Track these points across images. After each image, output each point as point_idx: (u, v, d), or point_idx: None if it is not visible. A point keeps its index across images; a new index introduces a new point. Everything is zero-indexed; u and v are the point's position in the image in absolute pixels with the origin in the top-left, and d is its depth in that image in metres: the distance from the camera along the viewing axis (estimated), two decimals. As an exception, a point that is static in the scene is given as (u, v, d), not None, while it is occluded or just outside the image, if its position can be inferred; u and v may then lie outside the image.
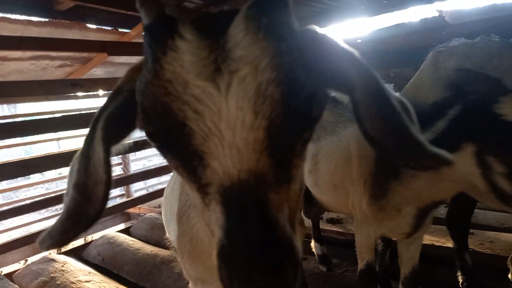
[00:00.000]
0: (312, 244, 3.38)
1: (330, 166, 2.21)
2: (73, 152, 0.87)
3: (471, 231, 3.48)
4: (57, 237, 0.77)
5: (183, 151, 0.62)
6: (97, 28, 5.67)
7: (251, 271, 0.53)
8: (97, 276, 3.41)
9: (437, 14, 6.25)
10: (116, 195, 6.73)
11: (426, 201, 1.70)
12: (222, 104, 0.58)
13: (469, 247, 3.13)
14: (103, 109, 0.76)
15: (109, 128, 0.74)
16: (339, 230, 3.68)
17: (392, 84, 7.51)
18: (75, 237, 0.78)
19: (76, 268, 3.52)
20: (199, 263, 1.13)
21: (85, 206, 0.75)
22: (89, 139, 0.75)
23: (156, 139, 0.66)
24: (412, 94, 2.12)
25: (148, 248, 3.86)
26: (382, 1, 6.41)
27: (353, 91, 0.73)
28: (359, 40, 7.22)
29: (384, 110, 0.71)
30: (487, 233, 3.36)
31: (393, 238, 2.12)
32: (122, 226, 4.83)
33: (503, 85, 1.42)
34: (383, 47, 6.56)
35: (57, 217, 0.81)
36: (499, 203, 1.47)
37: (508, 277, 2.69)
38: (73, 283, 3.26)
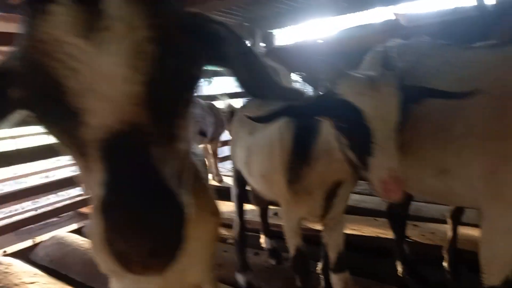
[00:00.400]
0: (262, 239, 3.42)
1: (259, 157, 2.35)
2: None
3: (415, 223, 3.65)
4: None
5: (63, 114, 0.62)
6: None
7: (131, 221, 0.54)
8: (43, 278, 3.29)
9: (393, 17, 6.46)
10: (75, 195, 6.52)
11: (328, 181, 1.92)
12: (97, 60, 0.59)
13: (412, 238, 3.29)
14: None
15: None
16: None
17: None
18: None
19: (21, 270, 3.38)
20: None
21: None
22: None
23: (35, 107, 0.67)
24: None
25: (99, 248, 3.76)
26: (343, 2, 6.55)
27: (228, 50, 0.82)
28: (321, 41, 7.38)
29: (254, 65, 0.84)
30: (430, 225, 3.53)
31: (309, 220, 2.30)
32: (74, 226, 4.69)
33: (345, 71, 1.60)
34: (346, 48, 6.70)
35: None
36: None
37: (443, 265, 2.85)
38: (16, 285, 3.14)
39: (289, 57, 7.40)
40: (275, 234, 3.45)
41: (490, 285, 1.71)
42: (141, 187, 0.56)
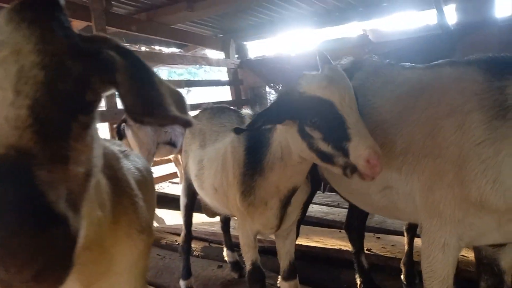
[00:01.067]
0: (225, 252, 3.42)
1: (211, 170, 2.36)
2: None
3: (378, 235, 3.73)
4: None
5: None
6: None
7: (9, 247, 0.53)
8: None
9: (361, 32, 6.66)
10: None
11: (283, 190, 1.96)
12: None
13: (372, 250, 3.35)
14: None
15: None
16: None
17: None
18: None
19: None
20: None
21: None
22: None
23: None
24: None
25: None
26: (317, 17, 6.68)
27: (117, 76, 0.79)
28: (294, 54, 7.51)
29: (148, 94, 0.81)
30: (392, 237, 3.59)
31: (266, 233, 2.30)
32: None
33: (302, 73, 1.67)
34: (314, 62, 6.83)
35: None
36: (329, 166, 1.67)
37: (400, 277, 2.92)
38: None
39: (263, 69, 7.50)
40: (238, 247, 3.45)
41: (431, 299, 1.76)
42: (21, 211, 0.55)
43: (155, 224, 4.46)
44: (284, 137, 1.79)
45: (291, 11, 6.38)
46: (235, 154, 2.11)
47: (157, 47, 7.12)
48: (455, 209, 1.63)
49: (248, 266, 2.30)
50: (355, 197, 2.29)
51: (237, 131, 1.76)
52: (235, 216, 2.38)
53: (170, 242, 4.25)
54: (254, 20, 6.86)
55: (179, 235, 3.66)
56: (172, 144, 5.20)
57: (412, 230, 2.85)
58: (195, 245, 4.04)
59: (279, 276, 2.60)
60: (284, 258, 2.33)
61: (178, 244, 3.86)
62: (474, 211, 1.58)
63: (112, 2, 5.18)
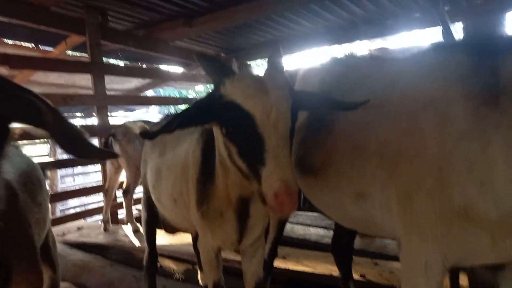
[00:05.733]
0: (199, 275, 3.12)
1: (170, 179, 2.13)
2: None
3: (375, 261, 3.35)
4: None
5: None
6: (15, 44, 5.41)
7: None
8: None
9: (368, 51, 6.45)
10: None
11: (232, 198, 1.70)
12: None
13: (368, 277, 2.99)
14: None
15: None
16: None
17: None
18: None
19: None
20: None
21: None
22: None
23: None
24: None
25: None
26: (323, 35, 6.53)
27: (44, 118, 0.96)
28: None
29: (68, 130, 1.04)
30: (391, 264, 3.22)
31: (225, 248, 2.00)
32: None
33: (232, 70, 1.43)
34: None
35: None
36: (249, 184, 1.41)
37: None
38: None
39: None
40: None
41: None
42: None
43: (137, 243, 4.18)
44: (217, 139, 1.55)
45: (293, 29, 6.27)
46: (194, 157, 1.87)
47: (161, 66, 7.06)
48: (436, 222, 1.32)
49: (210, 286, 2.01)
50: (331, 211, 1.98)
51: (143, 135, 1.45)
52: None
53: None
54: (256, 39, 6.76)
55: (161, 256, 3.40)
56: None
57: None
58: (176, 266, 3.75)
59: None
60: (250, 280, 2.02)
61: (161, 266, 3.59)
62: (459, 223, 1.27)
63: (109, 18, 5.15)
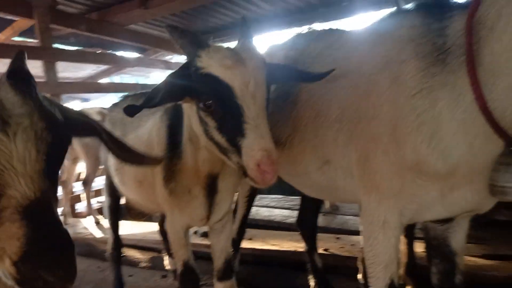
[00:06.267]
0: (166, 259, 3.07)
1: None
2: None
3: (338, 236, 3.46)
4: None
5: None
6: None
7: (52, 255, 0.78)
8: None
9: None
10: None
11: (201, 175, 1.70)
12: (12, 146, 0.83)
13: (330, 250, 3.08)
14: None
15: None
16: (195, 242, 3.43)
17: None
18: None
19: None
20: None
21: None
22: None
23: None
24: None
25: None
26: (293, 15, 6.53)
27: (100, 134, 1.24)
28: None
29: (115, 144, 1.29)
30: (352, 237, 3.33)
31: (193, 225, 2.03)
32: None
33: (206, 42, 1.42)
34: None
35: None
36: (225, 159, 1.44)
37: (357, 276, 2.64)
38: None
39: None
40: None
41: (375, 290, 1.47)
42: (57, 236, 0.82)
43: (99, 235, 4.06)
44: (189, 116, 1.53)
45: (252, 12, 6.21)
46: (159, 135, 1.83)
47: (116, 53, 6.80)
48: (392, 179, 1.37)
49: (179, 267, 1.98)
50: (297, 180, 2.01)
51: (128, 110, 1.37)
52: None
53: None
54: (214, 22, 6.64)
55: (126, 245, 3.32)
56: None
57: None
58: (142, 255, 3.68)
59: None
60: (219, 256, 2.03)
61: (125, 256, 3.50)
62: (412, 178, 1.32)
63: (59, 0, 4.88)
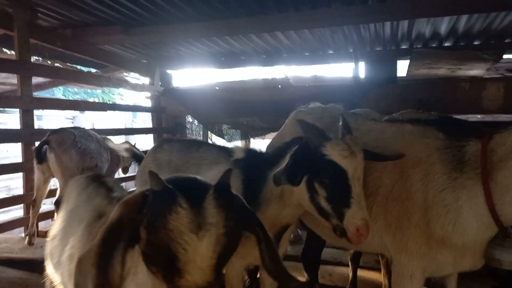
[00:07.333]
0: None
1: None
2: None
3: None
4: None
5: (169, 268, 1.05)
6: None
7: None
8: None
9: (283, 76, 7.26)
10: None
11: (277, 225, 2.10)
12: (198, 246, 1.03)
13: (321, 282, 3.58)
14: (114, 238, 1.13)
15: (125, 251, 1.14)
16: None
17: (241, 130, 8.24)
18: None
19: None
20: None
21: None
22: (104, 258, 1.12)
23: (151, 260, 1.11)
24: (278, 141, 2.60)
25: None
26: (221, 58, 7.16)
27: (257, 231, 1.34)
28: (217, 87, 7.73)
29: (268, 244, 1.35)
30: (325, 267, 3.84)
31: (256, 264, 2.39)
32: None
33: (329, 136, 1.88)
34: (238, 97, 7.15)
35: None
36: (321, 219, 1.87)
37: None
38: None
39: (185, 98, 7.54)
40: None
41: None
42: None
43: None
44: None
45: (222, 48, 6.62)
46: (233, 187, 2.15)
47: (77, 66, 6.65)
48: (421, 245, 1.96)
49: None
50: (321, 230, 2.48)
51: (277, 182, 1.81)
52: None
53: None
54: (183, 51, 6.90)
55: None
56: (97, 170, 4.85)
57: (356, 260, 3.19)
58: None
59: None
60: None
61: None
62: (437, 247, 1.92)
63: (38, 14, 4.79)
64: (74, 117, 14.48)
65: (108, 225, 1.15)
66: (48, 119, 12.10)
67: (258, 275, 3.01)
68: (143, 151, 3.74)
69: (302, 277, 3.22)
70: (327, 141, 1.81)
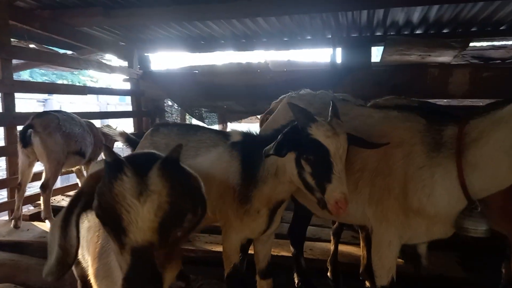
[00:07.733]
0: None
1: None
2: None
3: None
4: (55, 273, 1.32)
5: (117, 228, 1.19)
6: None
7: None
8: None
9: (263, 61, 7.39)
10: None
11: (273, 201, 2.34)
12: (139, 209, 1.17)
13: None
14: (74, 205, 1.33)
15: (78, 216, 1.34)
16: (190, 247, 3.91)
17: (218, 114, 8.35)
18: (63, 274, 1.33)
19: None
20: (113, 284, 1.61)
21: (65, 257, 1.32)
22: (65, 221, 1.32)
23: (103, 221, 1.24)
24: (271, 126, 2.77)
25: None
26: (200, 42, 7.22)
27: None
28: (196, 71, 7.78)
29: None
30: (306, 243, 4.03)
31: (252, 237, 2.56)
32: None
33: (316, 118, 2.05)
34: (217, 81, 7.23)
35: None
36: (308, 194, 2.07)
37: (327, 275, 3.47)
38: None
39: (164, 81, 7.55)
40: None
41: (381, 285, 2.30)
42: (149, 276, 1.16)
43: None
44: (283, 161, 2.12)
45: (201, 31, 6.65)
46: (230, 166, 2.35)
47: (53, 48, 6.52)
48: (399, 215, 2.22)
49: (229, 270, 2.49)
50: (310, 204, 2.70)
51: (265, 154, 2.03)
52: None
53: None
54: (162, 33, 6.88)
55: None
56: (81, 154, 4.85)
57: (338, 235, 3.46)
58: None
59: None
60: (263, 260, 2.65)
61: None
62: (413, 217, 2.19)
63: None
64: (45, 99, 14.11)
65: (74, 194, 1.36)
66: (18, 102, 11.67)
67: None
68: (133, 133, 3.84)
69: (288, 252, 3.48)
70: (313, 122, 1.99)
